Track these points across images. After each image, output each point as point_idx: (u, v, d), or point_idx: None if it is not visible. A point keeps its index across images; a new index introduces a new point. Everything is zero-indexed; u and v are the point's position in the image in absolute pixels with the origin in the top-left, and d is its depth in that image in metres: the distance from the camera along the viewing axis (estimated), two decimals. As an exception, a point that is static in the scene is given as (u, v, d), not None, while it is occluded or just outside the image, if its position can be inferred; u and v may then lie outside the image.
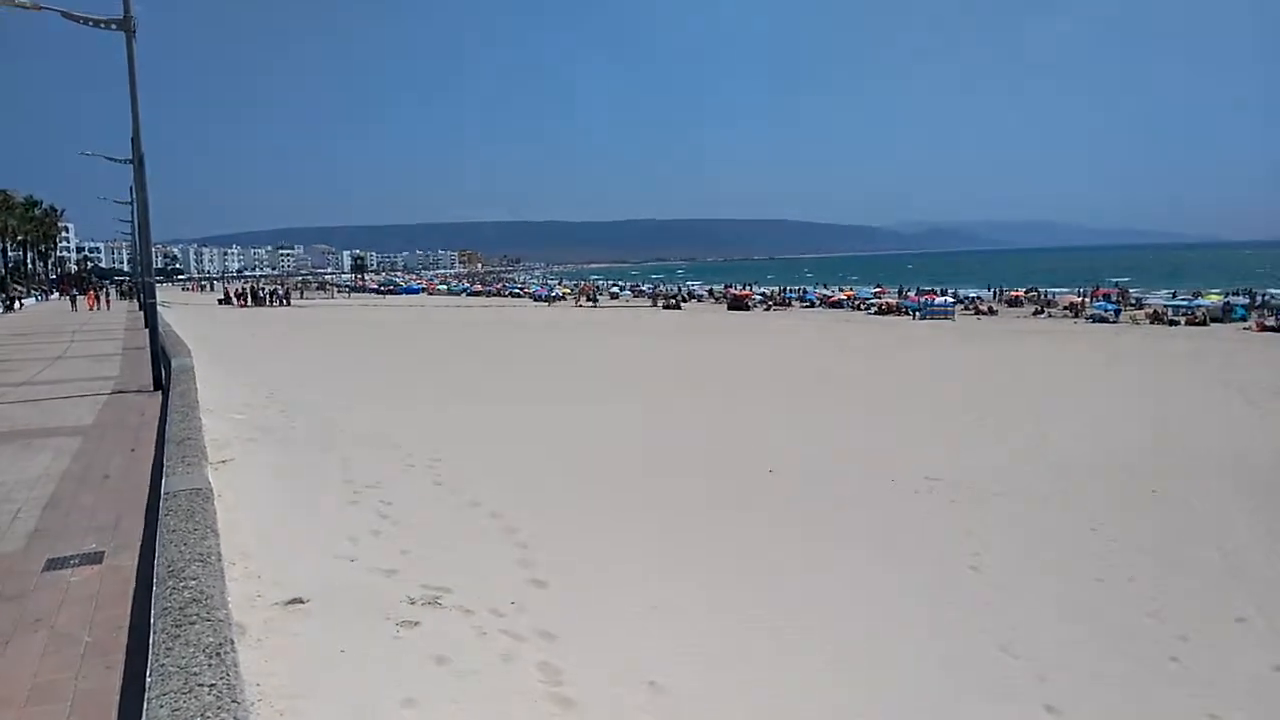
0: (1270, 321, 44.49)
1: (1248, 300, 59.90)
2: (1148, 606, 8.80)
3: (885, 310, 62.75)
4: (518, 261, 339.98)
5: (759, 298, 79.63)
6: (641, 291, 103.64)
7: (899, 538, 11.15)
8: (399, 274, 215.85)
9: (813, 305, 75.93)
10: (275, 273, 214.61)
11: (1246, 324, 46.65)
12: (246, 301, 70.43)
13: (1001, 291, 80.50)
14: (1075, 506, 12.38)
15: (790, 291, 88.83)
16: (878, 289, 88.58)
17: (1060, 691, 7.00)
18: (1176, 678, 7.30)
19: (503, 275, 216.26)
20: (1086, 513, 12.07)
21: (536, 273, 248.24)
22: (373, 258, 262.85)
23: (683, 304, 79.96)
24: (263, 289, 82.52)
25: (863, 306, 69.23)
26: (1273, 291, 70.81)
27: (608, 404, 20.95)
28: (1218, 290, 71.20)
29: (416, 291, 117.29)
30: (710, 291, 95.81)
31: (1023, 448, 16.30)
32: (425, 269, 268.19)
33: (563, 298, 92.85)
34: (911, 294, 76.89)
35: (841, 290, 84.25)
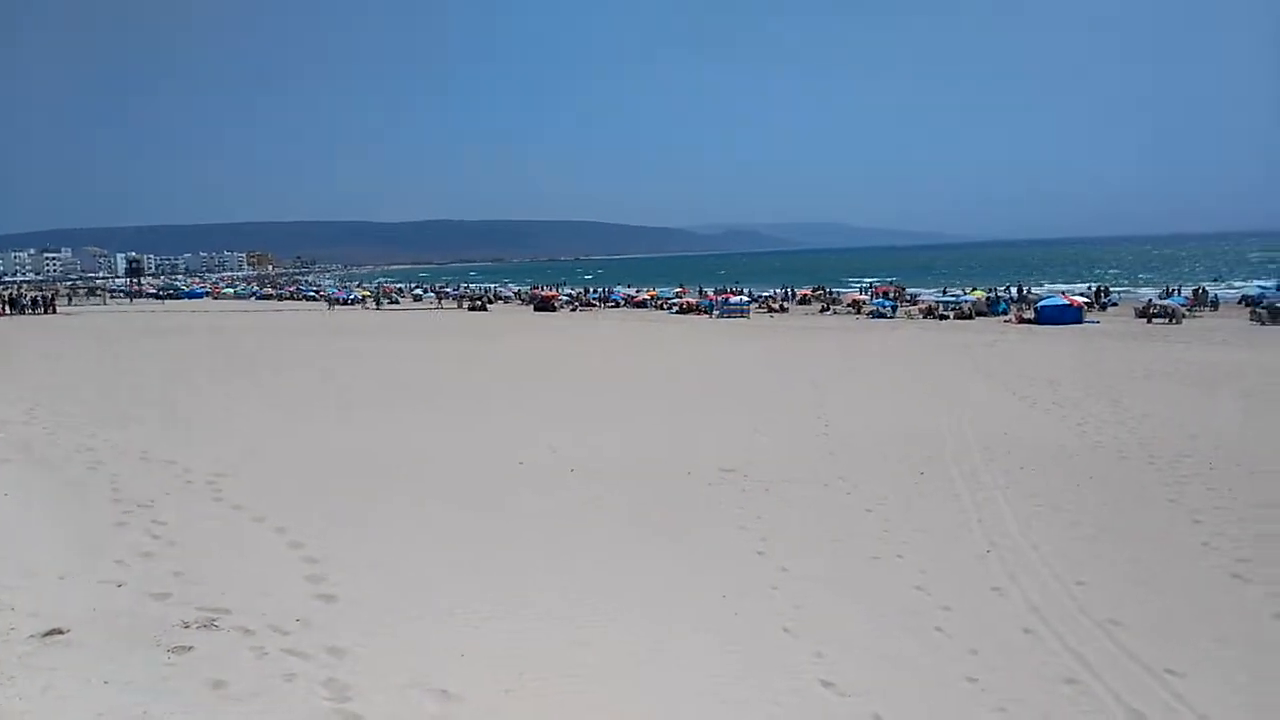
0: (1028, 315, 48.96)
1: (1013, 295, 65.52)
2: (916, 580, 9.49)
3: (686, 309, 64.50)
4: (313, 263, 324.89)
5: (565, 298, 79.96)
6: (446, 293, 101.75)
7: (694, 527, 11.52)
8: (180, 277, 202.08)
9: (618, 305, 77.02)
10: (40, 278, 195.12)
11: (1007, 317, 51.18)
12: (5, 310, 63.75)
13: (792, 290, 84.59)
14: (855, 490, 13.18)
15: (595, 292, 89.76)
16: (679, 289, 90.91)
17: (835, 666, 7.44)
18: (940, 645, 7.91)
19: (297, 277, 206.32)
20: (864, 496, 12.88)
21: (334, 275, 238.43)
22: (150, 260, 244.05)
23: (489, 305, 79.13)
24: (24, 296, 74.94)
25: (665, 306, 70.91)
26: (1038, 287, 78.12)
27: (403, 409, 20.44)
28: (983, 286, 77.68)
29: (200, 296, 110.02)
30: (517, 293, 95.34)
31: (809, 436, 17.19)
32: (210, 272, 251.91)
33: (362, 300, 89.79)
34: (710, 293, 79.39)
35: (645, 290, 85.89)
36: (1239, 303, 55.34)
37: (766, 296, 75.89)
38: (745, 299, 67.00)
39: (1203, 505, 12.02)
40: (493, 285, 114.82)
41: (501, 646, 7.71)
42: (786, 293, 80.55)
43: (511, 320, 58.83)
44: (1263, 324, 42.24)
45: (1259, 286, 62.98)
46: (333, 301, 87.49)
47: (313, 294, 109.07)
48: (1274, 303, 45.21)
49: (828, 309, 63.56)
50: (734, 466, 14.65)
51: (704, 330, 47.47)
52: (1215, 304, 55.52)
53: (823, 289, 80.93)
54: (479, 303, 78.76)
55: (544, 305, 72.85)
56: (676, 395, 23.35)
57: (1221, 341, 34.82)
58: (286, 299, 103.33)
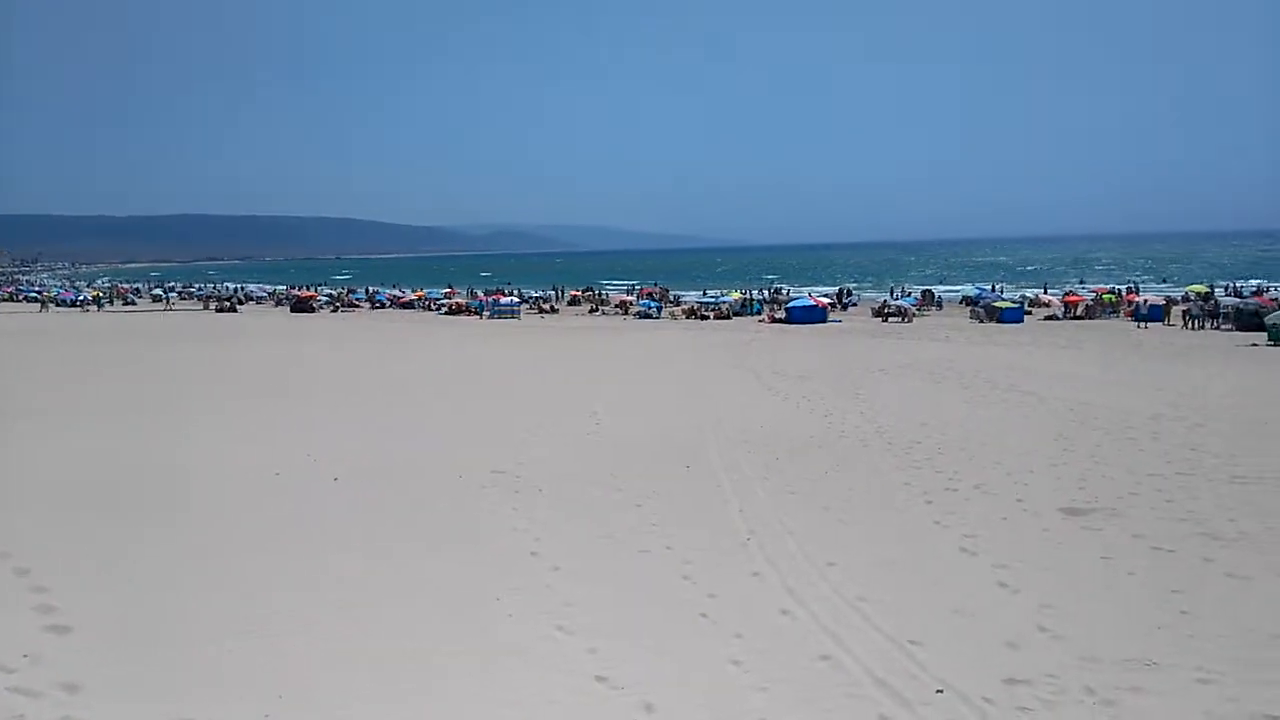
0: (779, 315, 51.98)
1: (766, 297, 69.19)
2: (683, 570, 9.81)
3: (455, 310, 63.43)
4: (35, 260, 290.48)
5: (325, 299, 76.42)
6: (191, 293, 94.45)
7: (467, 530, 11.35)
8: None
9: (383, 306, 74.55)
10: None
11: (761, 317, 54.18)
12: None
13: (562, 291, 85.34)
14: (625, 487, 13.46)
15: (359, 292, 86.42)
16: (448, 289, 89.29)
17: (608, 660, 7.55)
18: (706, 632, 8.20)
19: (16, 276, 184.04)
20: (634, 492, 13.17)
21: (60, 273, 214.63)
22: None
23: (239, 306, 74.25)
24: None
25: (434, 307, 69.36)
26: (788, 287, 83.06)
27: (131, 418, 18.81)
28: (740, 288, 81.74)
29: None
30: (272, 293, 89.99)
31: (580, 435, 17.38)
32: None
33: (93, 300, 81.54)
34: (480, 293, 78.54)
35: (413, 291, 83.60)
36: (960, 302, 61.48)
37: (537, 297, 76.05)
38: (516, 300, 66.79)
39: (933, 487, 13.22)
40: (244, 285, 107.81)
41: (259, 667, 7.24)
42: (556, 293, 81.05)
43: (265, 323, 55.51)
44: (980, 321, 47.23)
45: (977, 288, 70.68)
46: (46, 303, 78.85)
47: (35, 294, 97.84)
48: (990, 303, 50.71)
49: (597, 309, 64.58)
50: (506, 468, 14.56)
51: (475, 331, 46.91)
52: (940, 304, 61.42)
53: (591, 290, 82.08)
54: (228, 303, 73.72)
55: (302, 306, 69.25)
56: (447, 397, 22.92)
57: (945, 338, 38.51)
58: (4, 300, 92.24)
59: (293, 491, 13.18)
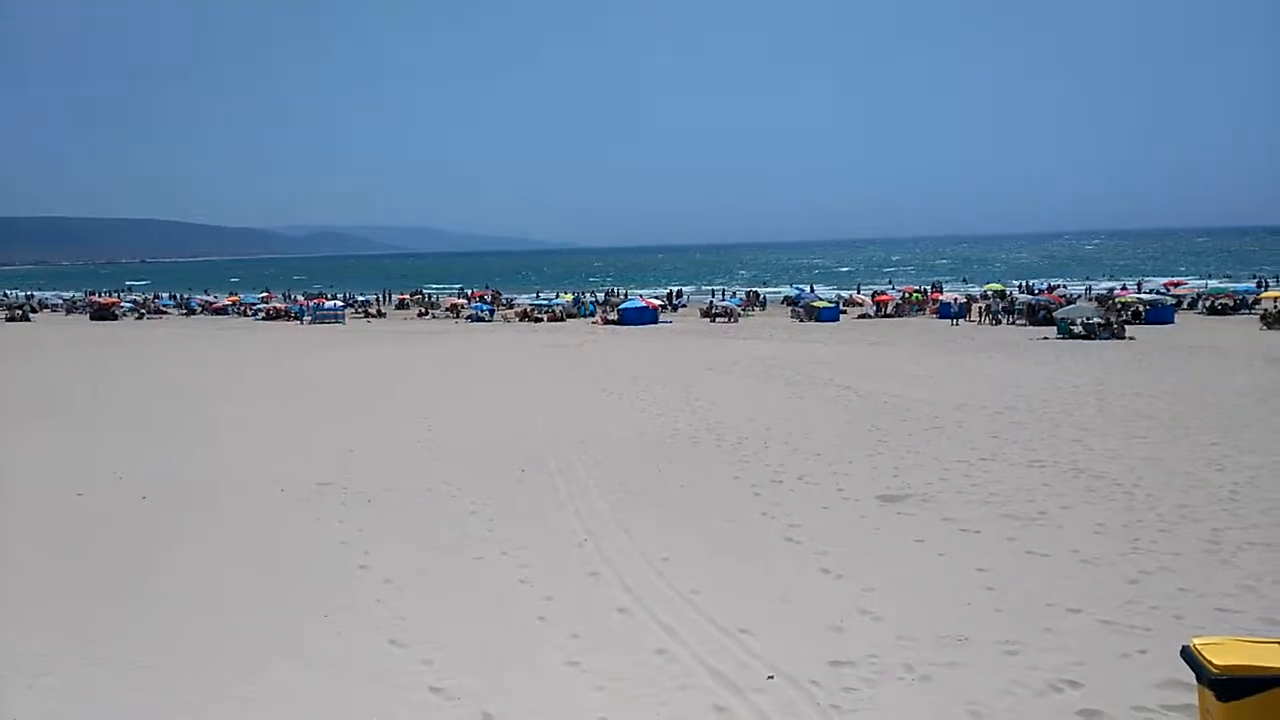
0: (612, 316, 52.40)
1: (599, 298, 69.64)
2: (519, 574, 9.72)
3: (273, 315, 60.57)
4: None
5: (129, 305, 71.33)
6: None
7: (290, 547, 10.85)
8: None
9: (194, 312, 70.28)
10: None
11: (594, 319, 54.52)
12: None
13: (389, 294, 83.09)
14: (459, 493, 13.21)
15: (166, 298, 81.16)
16: (265, 293, 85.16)
17: (444, 670, 7.39)
18: (543, 635, 8.16)
19: None
20: (468, 498, 12.94)
21: None
22: None
23: (31, 315, 68.27)
24: None
25: (249, 312, 65.96)
26: (615, 289, 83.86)
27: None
28: (570, 290, 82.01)
29: None
30: (69, 300, 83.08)
31: (412, 442, 16.94)
32: None
33: None
34: (301, 298, 75.39)
35: (227, 296, 79.21)
36: (782, 302, 63.92)
37: (362, 301, 73.69)
38: (340, 304, 64.46)
39: (761, 480, 13.66)
40: (35, 292, 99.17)
41: (68, 697, 6.65)
42: (382, 297, 78.82)
43: (62, 333, 51.22)
44: (801, 320, 49.25)
45: (796, 289, 73.74)
46: None
47: None
48: (809, 303, 52.96)
49: (426, 313, 63.17)
50: (332, 479, 14.01)
51: (296, 338, 44.93)
52: (764, 304, 63.69)
53: (420, 293, 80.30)
54: (19, 312, 67.67)
55: (103, 314, 64.38)
56: (268, 406, 21.84)
57: (769, 337, 39.92)
58: None
59: (97, 513, 12.21)
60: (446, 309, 63.41)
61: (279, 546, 10.87)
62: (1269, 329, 36.88)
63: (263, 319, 60.15)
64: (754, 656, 7.49)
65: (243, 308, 69.04)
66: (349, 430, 18.22)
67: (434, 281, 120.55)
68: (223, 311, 69.01)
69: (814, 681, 6.99)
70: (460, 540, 11.01)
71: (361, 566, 10.04)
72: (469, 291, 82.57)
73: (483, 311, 58.02)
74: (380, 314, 63.63)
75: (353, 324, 55.19)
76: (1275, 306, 42.17)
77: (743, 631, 8.01)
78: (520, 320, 54.78)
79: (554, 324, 51.99)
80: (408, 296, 77.13)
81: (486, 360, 32.18)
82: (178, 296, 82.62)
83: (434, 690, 7.03)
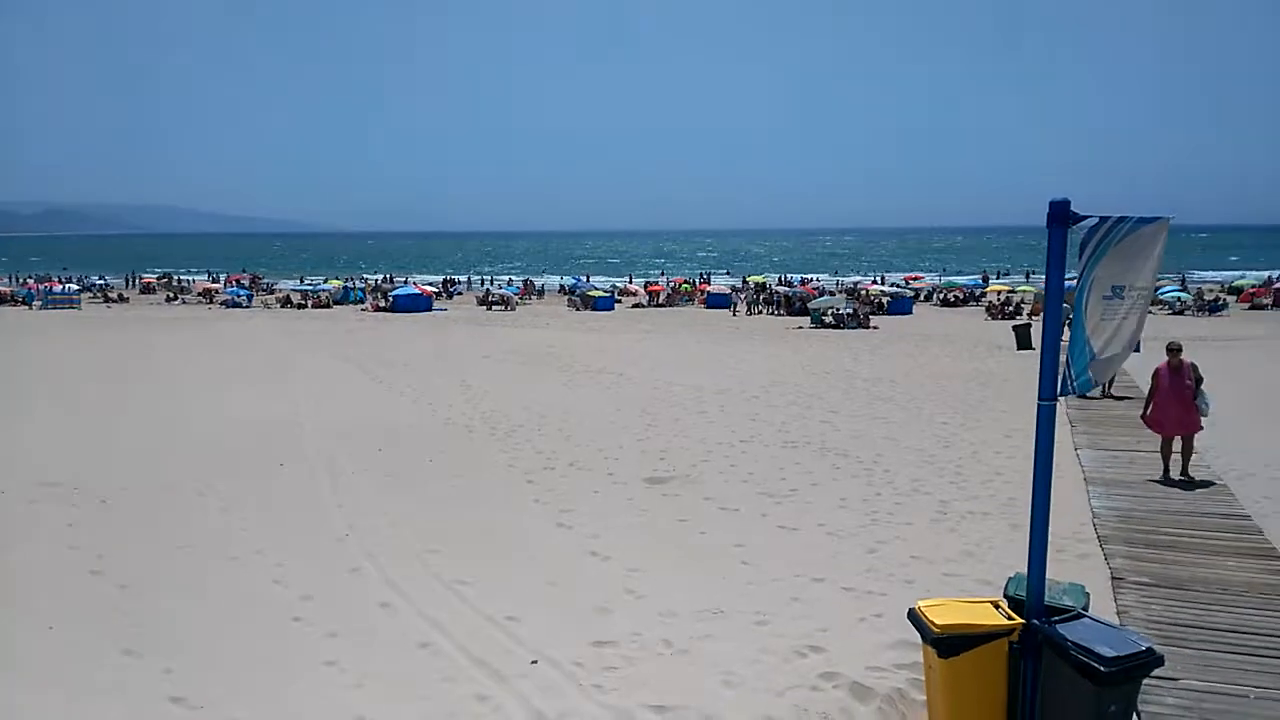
0: (383, 304, 50.69)
1: (369, 285, 67.20)
2: (274, 574, 9.21)
3: (-6, 300, 54.15)
4: None
5: None
6: None
7: (8, 552, 9.75)
8: None
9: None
10: None
11: (364, 306, 52.56)
12: None
13: (136, 276, 76.53)
14: (209, 491, 12.37)
15: None
16: (-15, 275, 76.07)
17: (185, 679, 6.89)
18: (299, 635, 7.78)
19: None
20: (220, 495, 12.14)
21: None
22: None
23: None
24: None
25: (-37, 297, 58.55)
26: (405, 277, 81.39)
27: None
28: (339, 276, 78.74)
29: None
30: None
31: (157, 437, 15.67)
32: None
33: None
34: (31, 281, 67.94)
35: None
36: (559, 291, 64.33)
37: (102, 285, 67.35)
38: (76, 287, 58.55)
39: (534, 467, 13.69)
40: None
41: None
42: (129, 280, 72.43)
43: None
44: (577, 309, 49.75)
45: (573, 278, 74.53)
46: None
47: None
48: (584, 291, 53.61)
49: (176, 298, 58.58)
50: (61, 479, 12.73)
51: (25, 324, 40.37)
52: (542, 292, 63.90)
53: (169, 276, 74.45)
54: None
55: None
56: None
57: (546, 325, 40.09)
58: None
59: None
60: (199, 294, 59.15)
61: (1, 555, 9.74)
62: (992, 319, 41.13)
63: (-21, 304, 53.62)
64: (519, 643, 7.50)
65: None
66: (83, 424, 16.61)
67: (187, 265, 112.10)
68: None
69: (577, 663, 7.09)
70: (210, 540, 10.31)
71: (94, 572, 9.18)
72: (225, 275, 77.45)
73: (240, 297, 54.56)
74: (123, 299, 58.33)
75: (91, 309, 50.27)
76: (998, 299, 47.13)
77: (509, 619, 8.00)
78: (282, 307, 51.98)
79: (320, 311, 49.69)
80: (156, 280, 71.32)
81: (242, 348, 30.25)
82: None
83: (174, 700, 6.54)
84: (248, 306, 52.16)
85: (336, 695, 6.66)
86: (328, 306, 51.80)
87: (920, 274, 78.67)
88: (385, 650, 7.42)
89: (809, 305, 41.52)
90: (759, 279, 65.05)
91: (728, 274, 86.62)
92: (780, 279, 69.35)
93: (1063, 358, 5.28)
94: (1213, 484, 11.63)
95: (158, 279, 72.49)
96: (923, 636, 5.65)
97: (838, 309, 39.27)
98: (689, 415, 17.73)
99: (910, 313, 45.58)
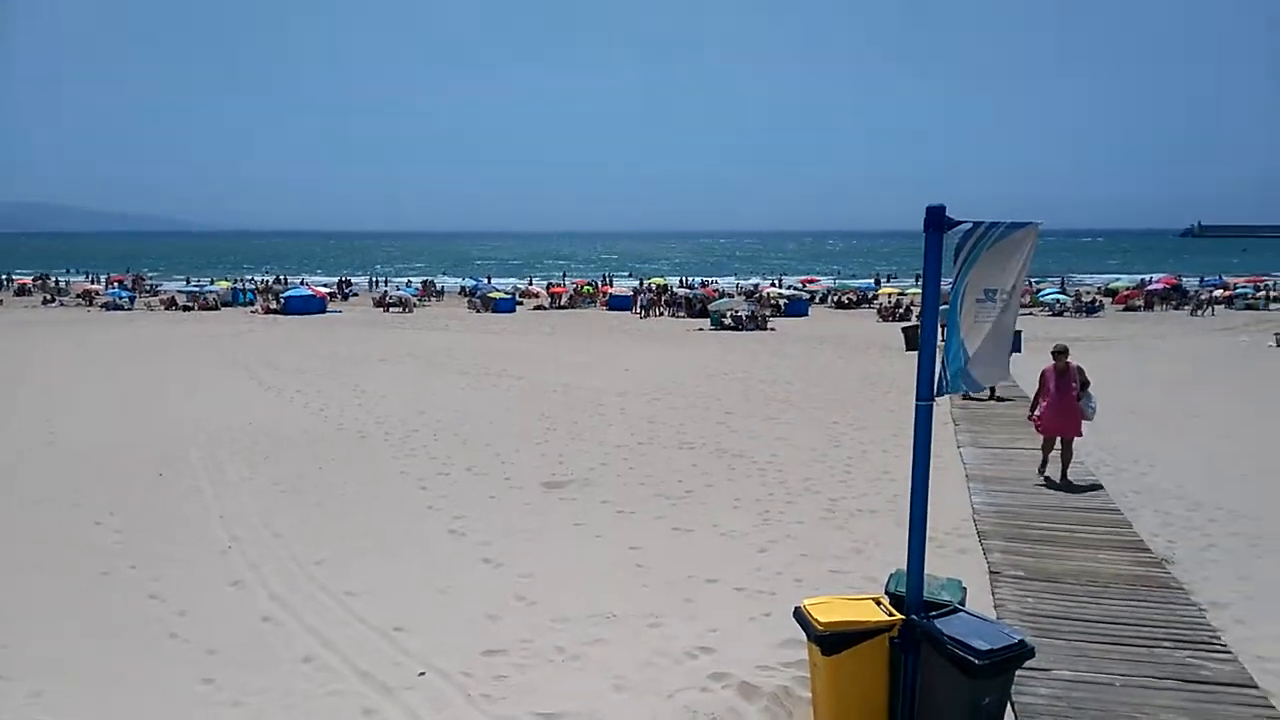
0: (274, 305, 49.24)
1: (258, 286, 65.18)
2: (150, 589, 8.84)
3: None
4: None
5: None
6: None
7: None
8: None
9: None
10: None
11: (254, 308, 51.02)
12: None
13: (9, 277, 72.49)
14: (83, 502, 11.83)
15: None
16: None
17: (56, 702, 6.56)
18: (175, 652, 7.48)
19: None
20: (94, 507, 11.59)
21: None
22: None
23: None
24: None
25: None
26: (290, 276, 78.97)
27: None
28: (227, 276, 76.16)
29: None
30: None
31: (32, 446, 14.86)
32: None
33: None
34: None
35: None
36: (460, 293, 63.58)
37: (-33, 286, 63.56)
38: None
39: (428, 473, 13.47)
40: None
41: None
42: (1, 281, 68.55)
43: None
44: (478, 311, 49.23)
45: (474, 280, 73.85)
46: None
47: None
48: (485, 293, 53.10)
49: (53, 300, 55.68)
50: (-87, 494, 11.94)
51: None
52: (442, 294, 63.07)
53: (44, 277, 70.75)
54: None
55: None
56: None
57: (445, 327, 39.53)
58: None
59: None
60: (78, 296, 56.35)
61: None
62: (883, 321, 42.35)
63: None
64: (407, 654, 7.37)
65: None
66: (-59, 436, 15.63)
67: (64, 264, 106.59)
68: None
69: (466, 673, 7.00)
70: (81, 556, 9.81)
71: (-49, 592, 8.65)
72: (106, 276, 74.02)
73: (122, 299, 52.23)
74: (-6, 300, 55.16)
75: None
76: (889, 301, 48.52)
77: (397, 630, 7.84)
78: (166, 308, 49.96)
79: (207, 313, 47.92)
80: (31, 281, 67.62)
81: (124, 352, 28.90)
82: None
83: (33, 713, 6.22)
84: (130, 309, 49.95)
85: (214, 713, 6.42)
86: (215, 309, 50.01)
87: (816, 277, 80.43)
88: (267, 666, 7.19)
89: (709, 307, 42.01)
90: (659, 281, 65.50)
91: (629, 275, 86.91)
92: (682, 280, 70.00)
93: (939, 359, 5.47)
94: (1086, 480, 12.20)
95: (33, 279, 68.69)
96: (808, 634, 5.77)
97: (737, 311, 39.85)
98: (588, 418, 17.72)
99: (807, 315, 46.59)
